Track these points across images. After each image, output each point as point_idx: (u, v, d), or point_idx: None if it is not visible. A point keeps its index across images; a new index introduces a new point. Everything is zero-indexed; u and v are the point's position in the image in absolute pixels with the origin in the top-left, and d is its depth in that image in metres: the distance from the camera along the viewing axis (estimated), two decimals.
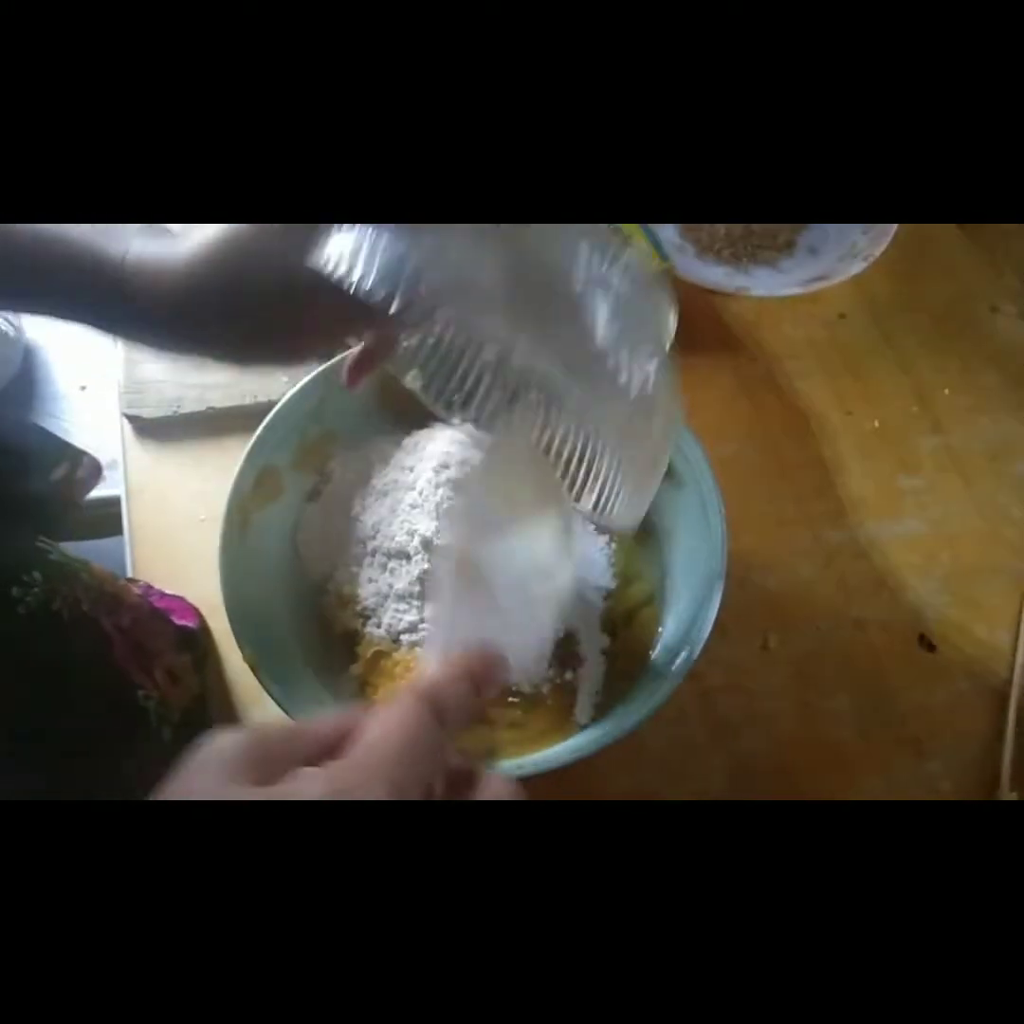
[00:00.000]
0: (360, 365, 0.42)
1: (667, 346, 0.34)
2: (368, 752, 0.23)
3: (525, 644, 0.35)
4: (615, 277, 0.32)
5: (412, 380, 0.47)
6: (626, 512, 0.37)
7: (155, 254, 0.34)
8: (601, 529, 0.51)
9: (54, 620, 0.40)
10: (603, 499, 0.36)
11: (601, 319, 0.31)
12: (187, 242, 0.34)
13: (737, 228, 0.68)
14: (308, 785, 0.21)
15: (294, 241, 0.32)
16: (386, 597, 0.48)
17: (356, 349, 0.42)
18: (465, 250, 0.31)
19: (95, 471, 0.72)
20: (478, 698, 0.27)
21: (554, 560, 0.36)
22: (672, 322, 0.36)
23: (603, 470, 0.36)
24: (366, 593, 0.49)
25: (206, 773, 0.22)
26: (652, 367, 0.32)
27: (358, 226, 0.30)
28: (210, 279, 0.33)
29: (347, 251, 0.29)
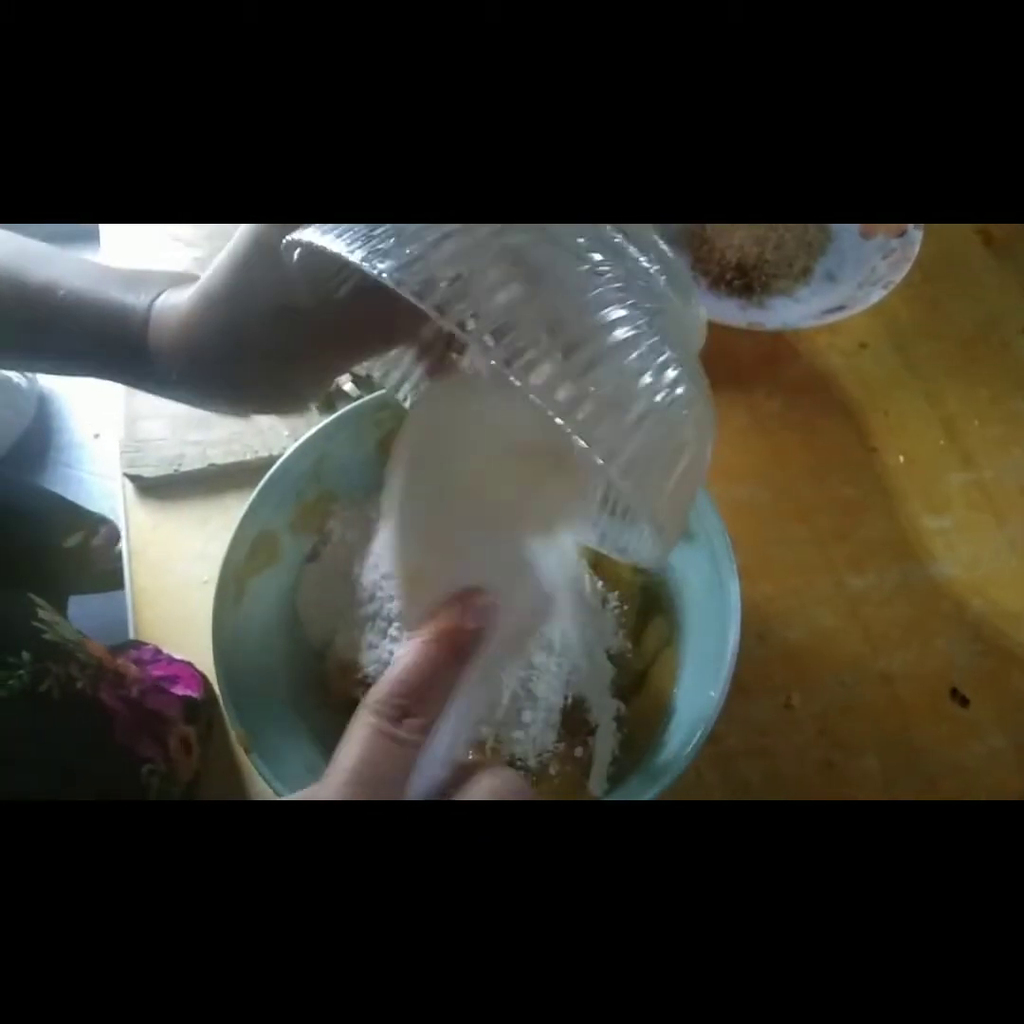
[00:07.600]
0: None
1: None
2: (326, 777, 0.24)
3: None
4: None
5: None
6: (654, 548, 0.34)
7: (170, 302, 0.34)
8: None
9: (41, 701, 0.40)
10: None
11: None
12: (192, 286, 0.34)
13: (750, 257, 0.65)
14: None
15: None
16: (387, 665, 0.47)
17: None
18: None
19: (114, 538, 0.72)
20: (461, 659, 0.27)
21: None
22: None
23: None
24: (367, 660, 0.47)
25: None
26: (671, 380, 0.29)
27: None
28: (209, 316, 0.33)
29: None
